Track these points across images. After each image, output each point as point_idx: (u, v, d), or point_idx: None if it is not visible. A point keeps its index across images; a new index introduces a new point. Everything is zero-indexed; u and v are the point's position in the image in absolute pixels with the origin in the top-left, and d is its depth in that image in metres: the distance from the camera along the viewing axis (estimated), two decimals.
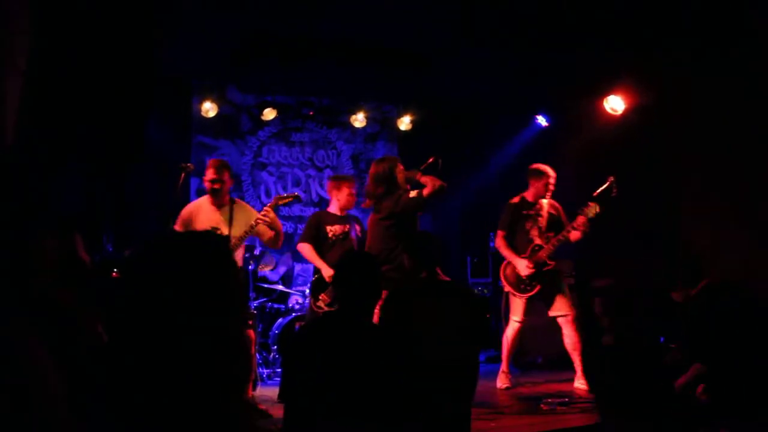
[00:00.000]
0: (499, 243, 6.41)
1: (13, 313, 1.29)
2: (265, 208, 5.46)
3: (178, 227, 5.46)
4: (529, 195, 6.43)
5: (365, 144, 9.83)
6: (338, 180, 6.42)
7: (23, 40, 3.06)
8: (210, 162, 5.69)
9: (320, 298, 5.85)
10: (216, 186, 5.48)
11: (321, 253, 5.98)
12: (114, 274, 5.74)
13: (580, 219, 5.97)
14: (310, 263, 6.27)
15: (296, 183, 9.39)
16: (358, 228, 6.23)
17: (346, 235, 6.07)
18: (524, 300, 6.20)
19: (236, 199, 5.75)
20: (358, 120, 9.33)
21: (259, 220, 5.37)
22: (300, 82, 8.95)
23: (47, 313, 1.75)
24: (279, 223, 5.73)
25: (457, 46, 7.63)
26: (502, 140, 9.65)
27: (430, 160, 5.76)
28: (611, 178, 6.14)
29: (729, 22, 6.13)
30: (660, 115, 7.04)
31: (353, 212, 6.56)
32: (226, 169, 5.60)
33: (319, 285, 5.92)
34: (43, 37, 3.02)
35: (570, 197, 7.78)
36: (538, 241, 6.26)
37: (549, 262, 6.12)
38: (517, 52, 7.56)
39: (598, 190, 6.21)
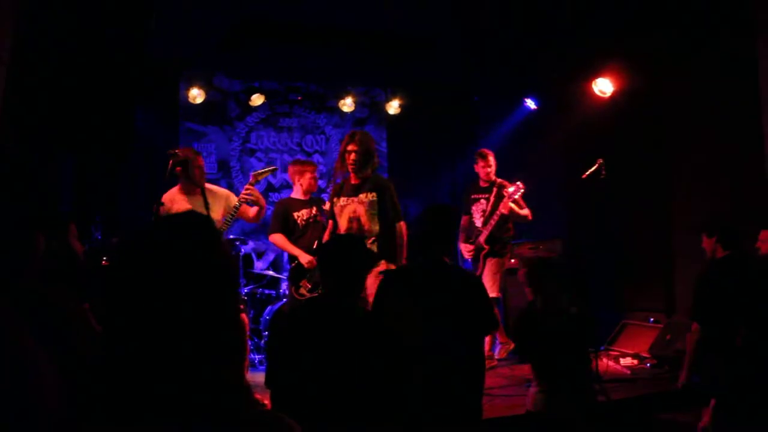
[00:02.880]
0: (461, 226, 6.87)
1: (4, 308, 1.27)
2: (246, 186, 5.31)
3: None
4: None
5: (354, 129, 9.78)
6: (300, 164, 6.39)
7: (6, 28, 3.02)
8: (189, 150, 5.53)
9: (301, 284, 5.84)
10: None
11: (293, 240, 5.98)
12: (104, 261, 5.71)
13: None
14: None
15: (285, 168, 9.35)
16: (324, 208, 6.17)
17: (314, 218, 6.09)
18: None
19: (206, 185, 5.43)
20: (347, 105, 9.31)
21: (243, 198, 5.25)
22: (287, 67, 8.91)
23: (38, 305, 1.74)
24: (262, 198, 5.51)
25: (446, 30, 7.61)
26: (491, 123, 9.64)
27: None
28: (600, 160, 6.15)
29: (718, 4, 6.14)
30: (649, 97, 7.05)
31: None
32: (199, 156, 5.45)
33: (298, 272, 5.90)
34: (27, 24, 2.99)
35: (559, 179, 7.83)
36: (479, 225, 6.66)
37: (485, 245, 6.52)
38: (506, 35, 7.55)
39: (587, 172, 6.22)
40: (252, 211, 5.48)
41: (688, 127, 6.76)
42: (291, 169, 6.41)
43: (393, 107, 9.46)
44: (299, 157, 9.43)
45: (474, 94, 9.81)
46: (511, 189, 6.39)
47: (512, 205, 6.39)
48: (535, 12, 6.90)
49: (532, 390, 3.83)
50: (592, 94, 7.26)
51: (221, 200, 5.38)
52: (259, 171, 5.54)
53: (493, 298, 6.21)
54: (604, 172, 6.03)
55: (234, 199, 5.37)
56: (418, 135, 9.93)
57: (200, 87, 8.45)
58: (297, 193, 6.25)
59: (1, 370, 1.15)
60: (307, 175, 6.20)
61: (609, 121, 7.22)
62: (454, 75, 9.22)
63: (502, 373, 6.18)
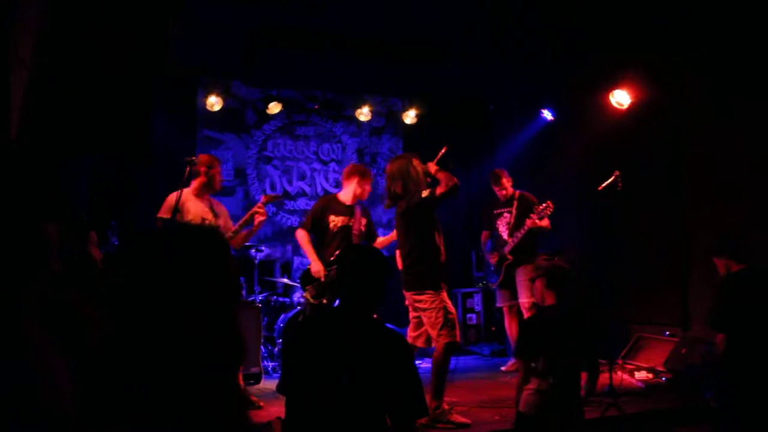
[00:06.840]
0: (482, 241, 7.47)
1: (21, 310, 1.28)
2: (259, 204, 5.38)
3: (164, 214, 5.28)
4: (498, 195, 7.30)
5: (370, 138, 9.82)
6: (359, 171, 6.14)
7: (28, 33, 3.06)
8: (213, 157, 5.69)
9: (307, 289, 5.84)
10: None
11: (321, 243, 5.91)
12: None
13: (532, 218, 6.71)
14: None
15: (301, 177, 9.38)
16: (363, 221, 6.01)
17: (348, 228, 5.90)
18: (496, 289, 7.23)
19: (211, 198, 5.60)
20: (363, 114, 9.33)
21: (258, 212, 5.33)
22: (305, 76, 8.95)
23: (55, 309, 1.75)
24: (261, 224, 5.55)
25: (463, 40, 7.62)
26: (508, 134, 9.63)
27: (443, 151, 5.64)
28: (617, 172, 6.12)
29: (737, 14, 6.10)
30: (665, 108, 7.02)
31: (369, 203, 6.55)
32: None
33: (306, 277, 5.89)
34: (48, 30, 3.02)
35: (575, 191, 7.79)
36: (505, 237, 7.04)
37: (508, 256, 6.95)
38: (524, 45, 7.54)
39: (604, 184, 6.19)
40: (244, 231, 5.46)
41: (707, 138, 6.71)
42: (348, 169, 6.20)
43: (410, 117, 9.48)
44: (315, 165, 9.46)
45: (490, 104, 9.80)
46: (541, 207, 6.65)
47: (538, 221, 6.70)
48: (553, 22, 6.89)
49: (527, 392, 3.81)
50: (610, 105, 7.24)
51: (223, 211, 5.56)
52: (271, 195, 5.73)
53: (531, 302, 6.45)
54: (620, 184, 6.00)
55: (230, 222, 5.51)
56: (435, 145, 9.89)
57: (218, 95, 8.52)
58: (344, 196, 6.03)
59: (15, 373, 1.15)
60: (366, 187, 6.07)
61: (626, 133, 7.19)
62: (471, 85, 9.22)
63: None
